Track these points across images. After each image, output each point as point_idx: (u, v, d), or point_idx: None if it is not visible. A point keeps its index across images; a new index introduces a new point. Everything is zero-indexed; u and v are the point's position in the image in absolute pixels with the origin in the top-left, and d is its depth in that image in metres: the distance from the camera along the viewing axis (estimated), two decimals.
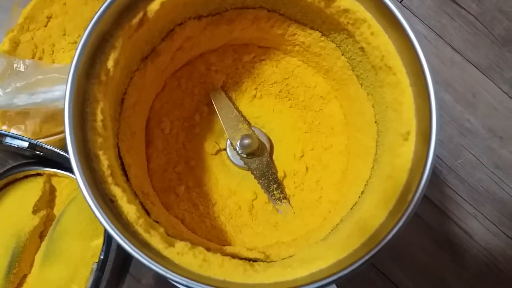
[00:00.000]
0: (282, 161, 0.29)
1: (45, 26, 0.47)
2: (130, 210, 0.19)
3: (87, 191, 0.17)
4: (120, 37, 0.20)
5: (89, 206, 0.17)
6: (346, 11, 0.22)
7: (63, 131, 0.46)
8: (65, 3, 0.48)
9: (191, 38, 0.25)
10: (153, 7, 0.21)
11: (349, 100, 0.27)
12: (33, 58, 0.46)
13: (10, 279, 0.42)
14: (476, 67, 0.48)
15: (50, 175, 0.46)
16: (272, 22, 0.26)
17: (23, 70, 0.40)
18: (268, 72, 0.29)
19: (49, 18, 0.47)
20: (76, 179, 0.18)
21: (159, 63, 0.25)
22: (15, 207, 0.44)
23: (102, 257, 0.35)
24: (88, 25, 0.19)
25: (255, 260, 0.23)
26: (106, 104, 0.20)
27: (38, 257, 0.44)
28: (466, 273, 0.46)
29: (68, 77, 0.18)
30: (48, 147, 0.35)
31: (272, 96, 0.30)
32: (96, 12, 0.19)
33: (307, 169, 0.28)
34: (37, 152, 0.37)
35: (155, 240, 0.19)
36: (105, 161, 0.19)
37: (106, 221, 0.17)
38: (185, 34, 0.25)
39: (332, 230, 0.25)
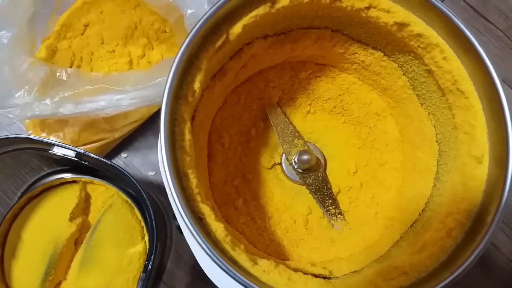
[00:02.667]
0: (335, 176, 0.29)
1: (82, 34, 0.48)
2: (218, 227, 0.19)
3: (183, 209, 0.18)
4: (204, 59, 0.21)
5: (185, 224, 0.18)
6: (418, 35, 0.22)
7: (101, 139, 0.47)
8: (101, 12, 0.48)
9: (255, 56, 0.26)
10: (236, 30, 0.21)
11: (407, 118, 0.27)
12: (71, 66, 0.47)
13: (46, 285, 0.42)
14: (504, 82, 0.49)
15: (85, 183, 0.46)
16: (335, 41, 0.27)
17: (65, 79, 0.40)
18: (323, 89, 0.30)
19: (86, 26, 0.48)
20: (172, 197, 0.18)
21: (225, 80, 0.26)
22: (52, 213, 0.45)
23: (150, 266, 0.35)
24: (180, 48, 0.20)
25: (317, 276, 0.24)
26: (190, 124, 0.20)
27: (75, 264, 0.44)
28: (493, 284, 0.47)
29: (163, 99, 0.19)
30: (96, 156, 0.36)
31: (326, 112, 0.30)
32: (187, 37, 0.20)
33: (361, 185, 0.29)
34: (82, 162, 0.38)
35: (242, 257, 0.19)
36: (194, 179, 0.20)
37: (201, 239, 0.18)
38: (251, 52, 0.26)
39: (392, 246, 0.25)
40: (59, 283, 0.45)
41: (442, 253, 0.20)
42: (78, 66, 0.46)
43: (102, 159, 0.36)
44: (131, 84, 0.37)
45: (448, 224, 0.21)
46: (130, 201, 0.46)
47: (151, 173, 0.49)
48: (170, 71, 0.20)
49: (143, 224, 0.45)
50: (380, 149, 0.30)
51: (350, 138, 0.30)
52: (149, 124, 0.49)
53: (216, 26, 0.21)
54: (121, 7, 0.48)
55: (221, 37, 0.21)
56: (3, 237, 0.44)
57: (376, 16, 0.23)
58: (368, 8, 0.23)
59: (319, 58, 0.29)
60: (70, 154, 0.36)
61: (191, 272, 0.45)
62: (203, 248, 0.18)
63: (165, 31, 0.49)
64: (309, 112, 0.31)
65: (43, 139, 0.36)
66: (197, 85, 0.21)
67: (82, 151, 0.36)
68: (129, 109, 0.38)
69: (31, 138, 0.36)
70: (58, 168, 0.49)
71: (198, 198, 0.20)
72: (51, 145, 0.36)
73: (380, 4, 0.22)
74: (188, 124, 0.20)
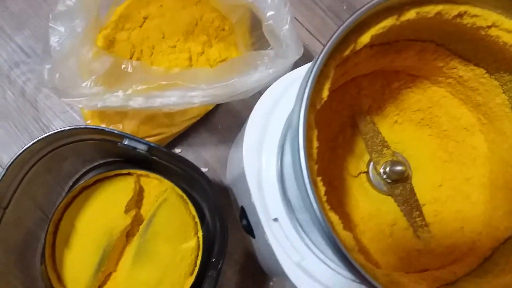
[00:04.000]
0: (420, 189, 0.30)
1: (141, 27, 0.48)
2: (347, 237, 0.19)
3: (323, 216, 0.18)
4: (332, 67, 0.21)
5: (326, 231, 0.18)
6: None
7: (159, 133, 0.47)
8: (161, 5, 0.48)
9: (358, 64, 0.26)
10: (364, 39, 0.21)
11: (500, 135, 0.28)
12: (131, 58, 0.47)
13: (99, 276, 0.42)
14: None
15: (140, 176, 0.46)
16: (436, 55, 0.27)
17: (130, 71, 0.40)
18: (413, 100, 0.30)
19: (145, 18, 0.48)
20: (311, 206, 0.18)
21: None
22: (107, 205, 0.45)
23: (220, 265, 0.35)
24: (318, 57, 0.20)
25: None
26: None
27: (128, 257, 0.44)
28: None
29: (301, 108, 0.19)
30: (168, 151, 0.36)
31: (413, 123, 0.31)
32: (325, 45, 0.20)
33: (446, 198, 0.29)
34: (153, 157, 0.38)
35: (369, 267, 0.19)
36: (322, 187, 0.20)
37: (342, 248, 0.18)
38: (356, 60, 0.26)
39: (484, 260, 0.25)
40: (109, 274, 0.45)
41: None
42: (138, 59, 0.46)
43: (175, 154, 0.36)
44: (204, 82, 0.37)
45: None
46: (184, 196, 0.46)
47: (204, 169, 0.49)
48: (308, 79, 0.19)
49: (196, 219, 0.45)
50: (466, 163, 0.30)
51: (436, 151, 0.30)
52: (203, 121, 0.49)
53: (345, 35, 0.21)
54: (182, 2, 0.48)
55: (349, 46, 0.21)
56: (55, 225, 0.44)
57: (496, 35, 0.23)
58: (489, 27, 0.23)
59: (414, 69, 0.29)
60: (142, 147, 0.36)
61: (241, 272, 0.46)
62: (342, 254, 0.18)
63: (224, 29, 0.49)
64: (396, 122, 0.31)
65: (115, 131, 0.35)
66: (325, 93, 0.21)
67: (154, 145, 0.36)
68: (196, 105, 0.38)
69: (104, 129, 0.35)
70: (111, 160, 0.49)
71: (327, 206, 0.20)
72: (123, 137, 0.36)
73: (503, 24, 0.22)
74: (316, 131, 0.20)
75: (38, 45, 0.49)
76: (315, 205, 0.19)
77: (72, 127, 0.35)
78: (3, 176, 0.34)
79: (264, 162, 0.29)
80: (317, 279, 0.28)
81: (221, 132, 0.49)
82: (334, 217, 0.20)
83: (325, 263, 0.28)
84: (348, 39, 0.22)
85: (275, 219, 0.29)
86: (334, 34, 0.20)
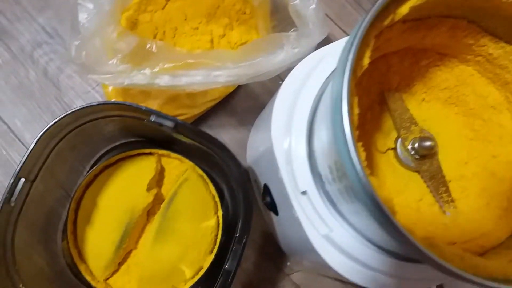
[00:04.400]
0: (446, 166, 0.30)
1: (163, 9, 0.48)
2: (386, 200, 0.20)
3: (367, 178, 0.18)
4: (371, 36, 0.21)
5: (369, 193, 0.18)
6: None
7: (181, 114, 0.47)
8: None
9: (390, 39, 0.27)
10: (403, 10, 0.22)
11: None
12: (154, 39, 0.47)
13: (120, 253, 0.43)
14: None
15: (161, 155, 0.47)
16: (467, 32, 0.27)
17: (155, 51, 0.41)
18: (440, 78, 0.30)
19: (167, 0, 0.48)
20: (356, 168, 0.19)
21: None
22: (129, 183, 0.45)
23: (244, 239, 0.35)
24: (360, 25, 0.20)
25: None
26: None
27: (150, 234, 0.45)
28: None
29: (344, 77, 0.19)
30: (195, 128, 0.36)
31: (440, 101, 0.31)
32: (368, 13, 0.20)
33: (472, 175, 0.30)
34: (177, 135, 0.38)
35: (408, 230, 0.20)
36: (363, 153, 0.20)
37: (385, 209, 0.18)
38: (388, 35, 0.26)
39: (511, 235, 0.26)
40: (130, 252, 0.46)
41: None
42: (161, 40, 0.46)
43: (200, 130, 0.37)
44: (229, 61, 0.37)
45: None
46: (205, 176, 0.46)
47: None
48: (352, 44, 0.20)
49: (217, 199, 0.46)
50: (493, 142, 0.30)
51: (462, 129, 0.31)
52: (223, 103, 0.50)
53: (386, 5, 0.22)
54: None
55: (389, 16, 0.22)
56: (77, 203, 0.45)
57: None
58: None
59: (443, 47, 0.30)
60: (169, 124, 0.36)
61: (259, 251, 0.46)
62: (385, 215, 0.19)
63: (245, 13, 0.49)
64: (423, 100, 0.31)
65: (143, 107, 0.36)
66: (366, 61, 0.21)
67: (181, 121, 0.36)
68: (220, 86, 0.39)
69: (132, 105, 0.36)
70: (132, 140, 0.49)
71: (368, 171, 0.20)
72: (150, 113, 0.36)
73: None
74: (356, 98, 0.21)
75: (60, 26, 0.50)
76: (358, 167, 0.19)
77: (101, 102, 0.36)
78: (32, 148, 0.35)
79: (293, 137, 0.30)
80: (344, 251, 0.29)
81: (241, 115, 0.50)
82: (374, 181, 0.20)
83: (352, 235, 0.28)
84: (389, 9, 0.22)
85: (304, 192, 0.29)
86: (377, 2, 0.20)
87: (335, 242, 0.29)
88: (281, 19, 0.47)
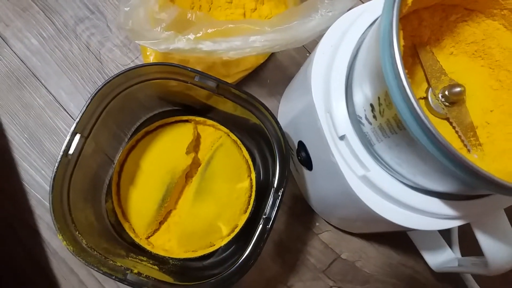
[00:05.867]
0: (473, 114, 0.33)
1: None
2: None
3: (418, 103, 0.21)
4: None
5: (421, 115, 0.21)
6: None
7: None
8: None
9: None
10: None
11: None
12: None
13: (161, 211, 0.46)
14: None
15: (197, 123, 0.50)
16: None
17: (195, 21, 0.44)
18: (468, 32, 0.33)
19: None
20: (410, 98, 0.21)
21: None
22: (169, 146, 0.48)
23: (283, 189, 0.38)
24: None
25: None
26: None
27: (189, 194, 0.48)
28: None
29: (394, 9, 0.22)
30: (235, 87, 0.39)
31: (467, 55, 0.34)
32: None
33: (498, 122, 0.32)
34: (218, 95, 0.41)
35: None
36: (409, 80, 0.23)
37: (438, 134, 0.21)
38: None
39: None
40: (169, 212, 0.49)
41: None
42: None
43: (241, 89, 0.39)
44: (267, 25, 0.40)
45: None
46: (238, 141, 0.49)
47: None
48: None
49: (250, 163, 0.49)
50: None
51: (488, 80, 0.33)
52: (253, 75, 0.53)
53: None
54: None
55: None
56: (121, 165, 0.48)
57: None
58: None
59: (470, 2, 0.32)
60: (211, 84, 0.39)
61: (288, 212, 0.49)
62: (438, 140, 0.21)
63: None
64: (452, 53, 0.34)
65: (189, 68, 0.39)
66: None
67: (222, 81, 0.39)
68: (254, 53, 0.42)
69: (178, 66, 0.39)
70: (169, 108, 0.52)
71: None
72: (195, 74, 0.39)
73: None
74: (402, 32, 0.24)
75: (100, 2, 0.53)
76: (409, 93, 0.22)
77: (150, 63, 0.39)
78: (87, 106, 0.38)
79: (332, 87, 0.33)
80: (380, 190, 0.31)
81: (270, 86, 0.53)
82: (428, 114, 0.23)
83: (387, 174, 0.31)
84: None
85: (342, 137, 0.32)
86: None
87: (371, 182, 0.32)
88: None
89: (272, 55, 0.53)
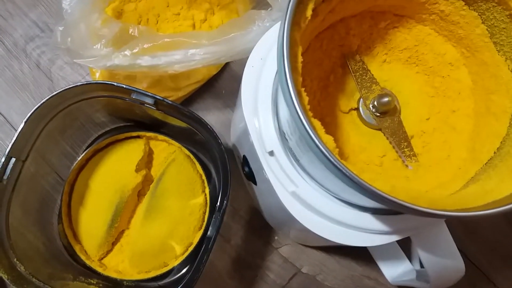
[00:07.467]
0: (409, 123, 0.32)
1: None
2: (328, 139, 0.22)
3: (308, 120, 0.20)
4: None
5: (310, 136, 0.20)
6: None
7: (166, 97, 0.49)
8: None
9: (344, 1, 0.28)
10: None
11: (482, 66, 0.30)
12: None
13: (112, 232, 0.45)
14: None
15: (149, 138, 0.49)
16: None
17: (137, 35, 0.43)
18: (400, 39, 0.32)
19: None
20: (298, 113, 0.20)
21: (314, 23, 0.28)
22: (118, 164, 0.48)
23: (225, 202, 0.37)
24: None
25: None
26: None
27: (140, 213, 0.47)
28: None
29: (284, 24, 0.21)
30: (172, 103, 0.38)
31: (401, 62, 0.33)
32: None
33: (433, 130, 0.31)
34: (158, 111, 0.40)
35: (350, 166, 0.22)
36: (306, 97, 0.22)
37: (321, 144, 0.20)
38: None
39: (467, 182, 0.28)
40: (122, 232, 0.48)
41: None
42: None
43: (178, 105, 0.39)
44: (206, 39, 0.39)
45: None
46: (192, 156, 0.48)
47: None
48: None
49: (203, 178, 0.48)
50: (452, 97, 0.32)
51: (423, 87, 0.33)
52: (207, 87, 0.52)
53: None
54: None
55: None
56: (71, 186, 0.47)
57: None
58: None
59: (399, 8, 0.31)
60: (149, 100, 0.38)
61: (246, 227, 0.48)
62: (321, 151, 0.21)
63: None
64: (385, 61, 0.33)
65: (123, 85, 0.38)
66: (309, 12, 0.23)
67: (160, 97, 0.38)
68: (199, 66, 0.41)
69: (112, 84, 0.38)
70: (121, 124, 0.52)
71: (310, 114, 0.22)
72: (131, 91, 0.38)
73: None
74: (300, 48, 0.23)
75: (51, 20, 0.53)
76: (297, 107, 0.21)
77: (85, 82, 0.38)
78: (21, 129, 0.38)
79: (260, 102, 0.32)
80: (310, 206, 0.31)
81: (225, 97, 0.52)
82: (316, 123, 0.22)
83: (315, 190, 0.30)
84: None
85: (271, 153, 0.32)
86: None
87: (301, 198, 0.31)
88: (260, 1, 0.49)
89: (226, 65, 0.53)
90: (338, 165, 0.21)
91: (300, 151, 0.28)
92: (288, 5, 0.22)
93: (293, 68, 0.23)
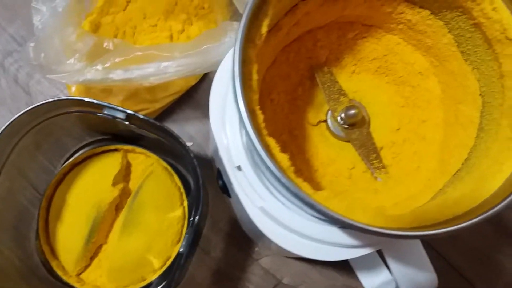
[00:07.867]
0: (379, 133, 0.31)
1: (124, 10, 0.50)
2: (283, 158, 0.21)
3: (258, 139, 0.20)
4: (270, 5, 0.23)
5: (260, 154, 0.20)
6: None
7: (143, 109, 0.49)
8: None
9: (309, 13, 0.28)
10: None
11: (450, 75, 0.29)
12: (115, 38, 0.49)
13: (89, 247, 0.44)
14: None
15: (127, 151, 0.49)
16: (383, 1, 0.28)
17: (112, 48, 0.43)
18: (368, 49, 0.32)
19: (128, 2, 0.51)
20: (247, 129, 0.20)
21: (278, 36, 0.28)
22: (95, 179, 0.47)
23: (198, 215, 0.37)
24: None
25: None
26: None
27: (117, 227, 0.46)
28: None
29: (236, 41, 0.21)
30: (144, 117, 0.38)
31: (370, 72, 0.32)
32: None
33: (404, 141, 0.31)
34: (132, 125, 0.40)
35: (305, 185, 0.21)
36: (261, 115, 0.22)
37: (275, 167, 0.20)
38: (305, 9, 0.28)
39: (435, 194, 0.27)
40: (100, 246, 0.47)
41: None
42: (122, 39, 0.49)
43: (150, 120, 0.38)
44: (178, 51, 0.39)
45: (494, 162, 0.23)
46: (169, 168, 0.48)
47: (189, 144, 0.51)
48: (243, 15, 0.22)
49: (182, 190, 0.48)
50: (422, 107, 0.31)
51: (393, 97, 0.32)
52: (186, 98, 0.51)
53: None
54: None
55: None
56: (48, 201, 0.47)
57: None
58: None
59: (366, 18, 0.31)
60: (120, 115, 0.38)
61: (226, 239, 0.48)
62: (272, 173, 0.20)
63: (203, 8, 0.51)
64: (354, 72, 0.32)
65: (94, 101, 0.38)
66: (264, 29, 0.23)
67: (131, 112, 0.38)
68: (174, 78, 0.41)
69: (83, 100, 0.38)
70: (99, 138, 0.51)
71: (265, 132, 0.22)
72: (102, 106, 0.38)
73: None
74: (256, 66, 0.22)
75: (28, 34, 0.53)
76: (248, 126, 0.21)
77: (56, 99, 0.38)
78: None
79: (227, 115, 0.32)
80: (279, 221, 0.30)
81: (204, 108, 0.52)
82: (271, 141, 0.22)
83: (281, 204, 0.30)
84: None
85: (239, 167, 0.31)
86: None
87: (269, 213, 0.30)
88: (236, 10, 0.49)
89: (205, 75, 0.52)
90: (288, 185, 0.20)
91: (260, 168, 0.27)
92: (240, 22, 0.21)
93: (247, 86, 0.22)
